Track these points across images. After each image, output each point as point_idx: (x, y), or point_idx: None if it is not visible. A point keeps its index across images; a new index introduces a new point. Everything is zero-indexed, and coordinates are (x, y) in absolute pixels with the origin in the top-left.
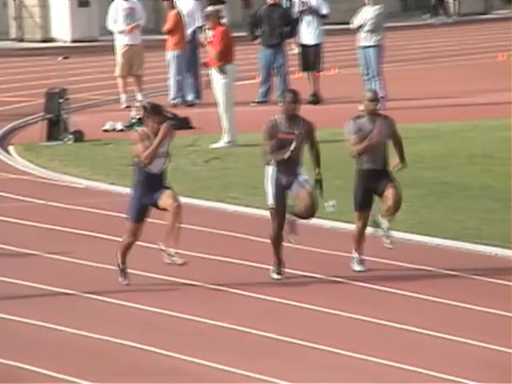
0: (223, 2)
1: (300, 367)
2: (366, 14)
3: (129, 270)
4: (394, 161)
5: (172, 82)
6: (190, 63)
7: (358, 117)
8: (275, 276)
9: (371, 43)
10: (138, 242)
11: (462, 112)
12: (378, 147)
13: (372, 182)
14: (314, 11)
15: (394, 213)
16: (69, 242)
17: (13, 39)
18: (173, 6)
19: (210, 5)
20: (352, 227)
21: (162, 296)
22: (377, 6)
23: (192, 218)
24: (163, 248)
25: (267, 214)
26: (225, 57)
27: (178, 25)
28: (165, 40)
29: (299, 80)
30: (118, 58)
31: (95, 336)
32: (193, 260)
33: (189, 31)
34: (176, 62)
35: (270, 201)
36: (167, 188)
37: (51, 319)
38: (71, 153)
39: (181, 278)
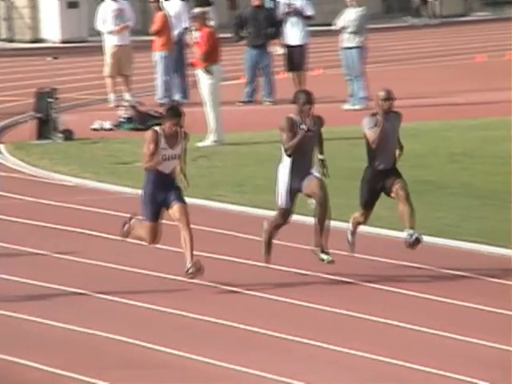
0: (210, 4)
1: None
2: (349, 16)
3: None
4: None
5: (159, 82)
6: (177, 64)
7: (374, 114)
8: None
9: (354, 44)
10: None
11: (442, 112)
12: (389, 144)
13: (379, 182)
14: (298, 13)
15: (410, 211)
16: (59, 238)
17: (3, 40)
18: (160, 8)
19: (197, 6)
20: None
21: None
22: (359, 8)
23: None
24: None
25: (254, 211)
26: (210, 57)
27: (165, 26)
28: (152, 41)
29: (284, 80)
30: (107, 58)
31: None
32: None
33: (176, 32)
34: (163, 62)
35: (281, 203)
36: (180, 195)
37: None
38: (61, 151)
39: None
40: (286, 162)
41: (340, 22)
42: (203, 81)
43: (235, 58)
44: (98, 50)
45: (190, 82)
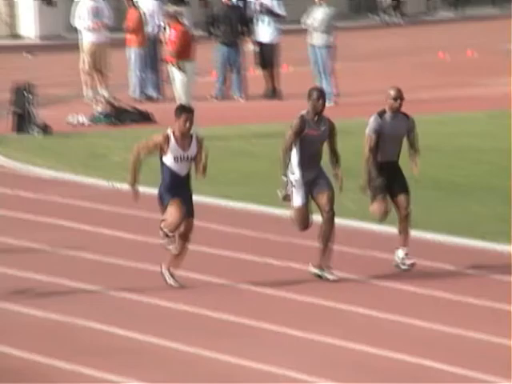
0: (185, 3)
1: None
2: (317, 14)
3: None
4: (414, 169)
5: (133, 78)
6: (151, 60)
7: (383, 113)
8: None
9: (322, 42)
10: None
11: (407, 107)
12: (392, 143)
13: (385, 174)
14: (269, 11)
15: (406, 220)
16: (35, 229)
17: None
18: (133, 5)
19: (171, 4)
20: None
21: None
22: (327, 7)
23: (154, 207)
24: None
25: (229, 204)
26: (182, 54)
27: (139, 23)
28: (125, 38)
29: (255, 77)
30: (84, 54)
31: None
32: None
33: (149, 29)
34: (137, 58)
35: (296, 202)
36: (190, 207)
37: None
38: (38, 145)
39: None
40: (295, 161)
41: (309, 21)
42: (176, 77)
43: (206, 55)
44: (76, 46)
45: (163, 78)
